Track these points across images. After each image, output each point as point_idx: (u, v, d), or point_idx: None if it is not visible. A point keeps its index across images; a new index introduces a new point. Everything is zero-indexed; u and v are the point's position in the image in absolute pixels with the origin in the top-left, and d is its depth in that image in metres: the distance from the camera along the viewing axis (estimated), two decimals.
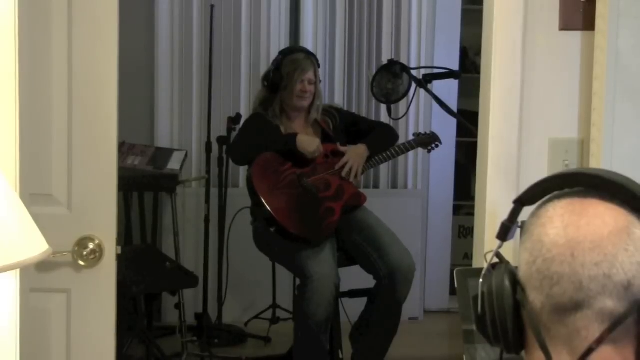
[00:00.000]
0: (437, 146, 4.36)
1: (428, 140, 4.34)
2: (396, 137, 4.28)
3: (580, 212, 1.08)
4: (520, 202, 1.18)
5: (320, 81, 4.18)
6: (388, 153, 4.18)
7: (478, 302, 1.15)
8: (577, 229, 1.07)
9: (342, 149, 4.05)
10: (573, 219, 1.08)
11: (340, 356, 4.08)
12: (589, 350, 1.04)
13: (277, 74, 4.03)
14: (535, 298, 1.09)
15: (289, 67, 4.02)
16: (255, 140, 3.99)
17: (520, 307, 1.11)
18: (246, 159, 4.04)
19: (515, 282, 1.11)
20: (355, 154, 4.06)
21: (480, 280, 1.15)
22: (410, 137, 4.58)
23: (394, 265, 3.89)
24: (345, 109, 4.92)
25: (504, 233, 1.20)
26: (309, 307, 3.75)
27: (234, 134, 4.48)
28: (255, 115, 4.13)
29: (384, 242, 3.94)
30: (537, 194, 1.15)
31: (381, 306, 3.94)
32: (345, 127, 4.19)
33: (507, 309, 1.11)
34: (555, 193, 1.13)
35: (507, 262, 1.16)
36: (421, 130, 5.10)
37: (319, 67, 4.14)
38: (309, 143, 3.94)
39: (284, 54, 4.15)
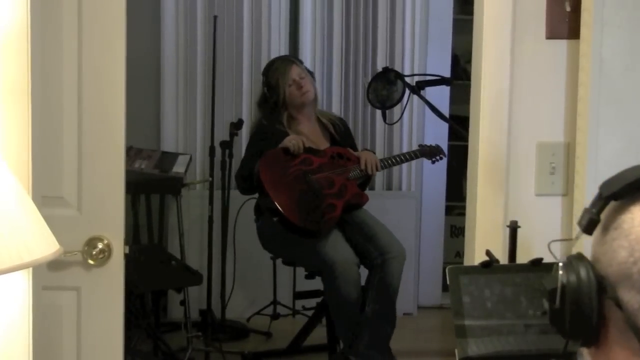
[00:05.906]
0: (441, 158, 4.40)
1: (433, 152, 4.37)
2: None
3: None
4: (613, 197, 1.07)
5: (312, 72, 4.22)
6: (392, 160, 4.29)
7: (557, 295, 1.08)
8: None
9: (355, 154, 4.16)
10: None
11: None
12: None
13: (270, 90, 4.09)
14: (632, 298, 1.01)
15: (274, 76, 4.11)
16: (255, 148, 4.06)
17: (602, 304, 1.04)
18: (253, 171, 4.00)
19: (600, 279, 1.05)
20: (367, 154, 4.19)
21: (560, 272, 1.08)
22: (415, 147, 4.67)
23: (384, 246, 3.96)
24: (343, 114, 4.96)
25: (591, 226, 1.09)
26: (341, 291, 3.82)
27: (236, 139, 4.51)
28: (256, 131, 4.18)
29: (373, 230, 4.03)
30: (626, 189, 1.06)
31: (375, 290, 3.94)
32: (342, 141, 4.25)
33: (594, 305, 1.04)
34: None
35: (583, 257, 1.09)
36: (414, 136, 5.16)
37: (301, 62, 4.21)
38: (289, 139, 4.00)
39: (264, 74, 4.20)
